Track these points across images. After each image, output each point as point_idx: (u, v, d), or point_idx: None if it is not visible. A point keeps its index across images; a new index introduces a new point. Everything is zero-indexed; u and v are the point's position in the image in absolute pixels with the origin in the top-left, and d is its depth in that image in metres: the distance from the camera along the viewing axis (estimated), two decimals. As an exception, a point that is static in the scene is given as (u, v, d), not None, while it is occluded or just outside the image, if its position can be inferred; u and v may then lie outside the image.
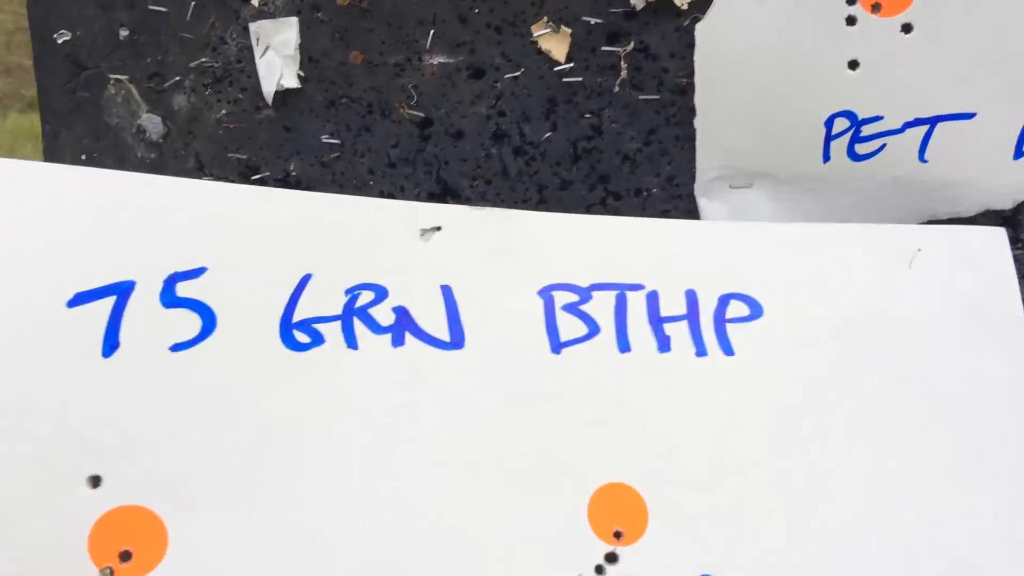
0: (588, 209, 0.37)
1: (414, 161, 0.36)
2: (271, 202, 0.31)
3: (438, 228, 0.33)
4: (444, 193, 0.37)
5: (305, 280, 0.31)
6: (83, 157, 0.39)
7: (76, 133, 0.38)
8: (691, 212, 0.36)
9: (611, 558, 0.31)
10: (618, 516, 0.31)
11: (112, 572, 0.27)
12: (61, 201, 0.30)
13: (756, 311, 0.33)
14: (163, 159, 0.38)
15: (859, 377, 0.33)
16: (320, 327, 0.31)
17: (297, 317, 0.31)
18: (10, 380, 0.28)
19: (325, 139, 0.37)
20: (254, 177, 0.37)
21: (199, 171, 0.37)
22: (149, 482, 0.28)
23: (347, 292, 0.31)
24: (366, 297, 0.31)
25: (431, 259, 0.32)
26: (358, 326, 0.31)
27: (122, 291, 0.29)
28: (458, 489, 0.30)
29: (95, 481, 0.28)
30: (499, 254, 0.33)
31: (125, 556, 0.28)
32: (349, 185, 0.37)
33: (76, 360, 0.28)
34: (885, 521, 0.31)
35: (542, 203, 0.37)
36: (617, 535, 0.31)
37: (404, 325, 0.31)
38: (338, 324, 0.31)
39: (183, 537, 0.29)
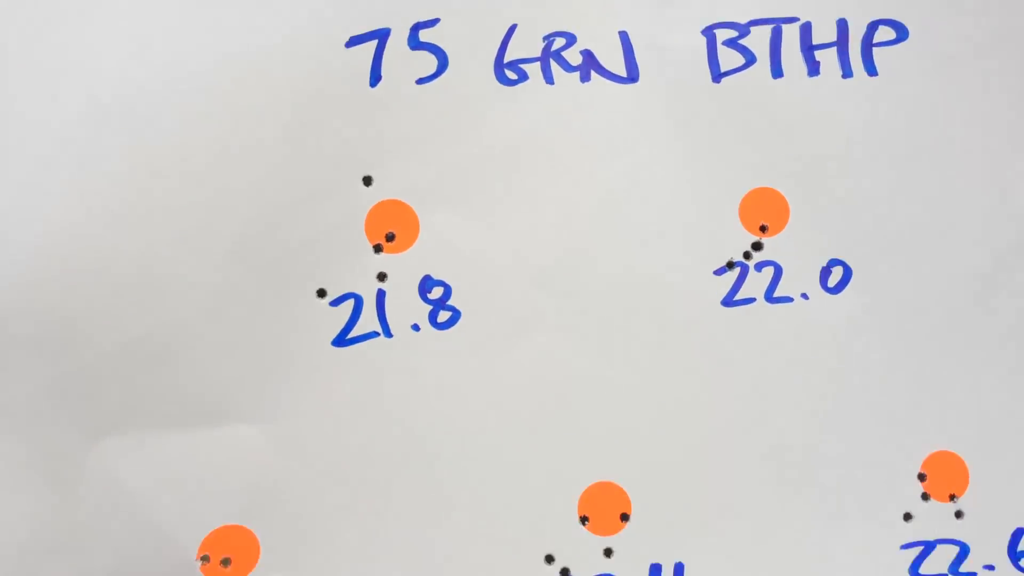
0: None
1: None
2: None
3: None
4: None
5: (512, 29, 0.40)
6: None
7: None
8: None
9: (756, 246, 0.40)
10: (763, 213, 0.40)
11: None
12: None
13: (902, 34, 0.40)
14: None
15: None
16: (525, 66, 0.40)
17: (507, 59, 0.40)
18: (300, 103, 0.38)
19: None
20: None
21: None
22: (411, 181, 0.38)
23: (544, 38, 0.40)
24: (559, 42, 0.40)
25: (612, 9, 0.40)
26: (554, 65, 0.40)
27: (382, 36, 0.38)
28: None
29: (367, 180, 0.38)
30: (667, 6, 0.40)
31: (390, 237, 0.39)
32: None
33: (350, 88, 0.38)
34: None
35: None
36: (763, 228, 0.40)
37: (590, 64, 0.40)
38: (538, 64, 0.40)
39: (430, 222, 0.39)
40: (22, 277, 0.35)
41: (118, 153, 0.36)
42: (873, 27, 0.39)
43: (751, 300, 0.40)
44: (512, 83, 0.39)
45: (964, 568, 0.40)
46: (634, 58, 0.39)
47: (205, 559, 0.37)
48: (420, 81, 0.38)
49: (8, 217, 0.35)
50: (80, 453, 0.36)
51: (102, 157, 0.36)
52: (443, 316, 0.38)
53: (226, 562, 0.37)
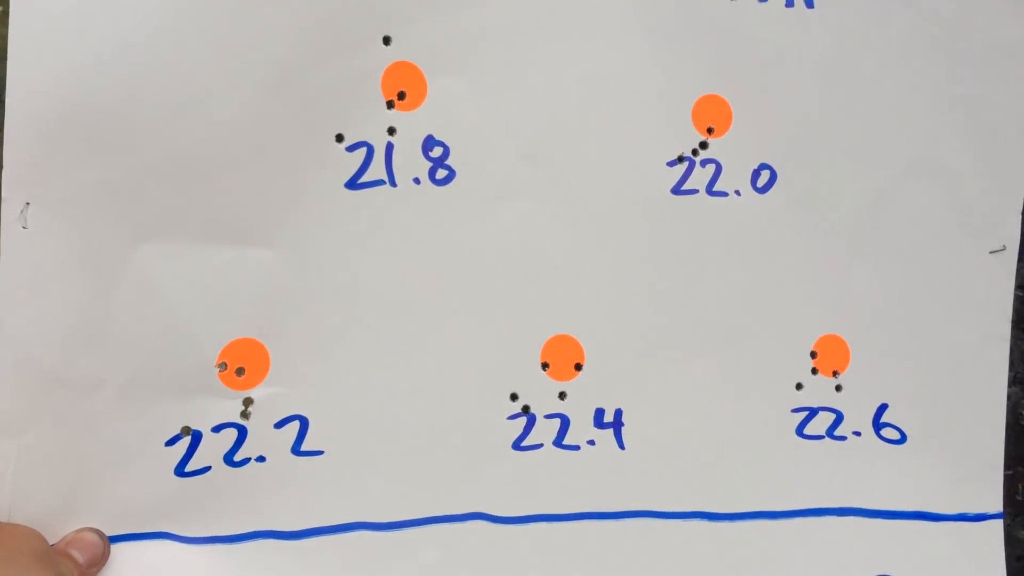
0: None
1: None
2: None
3: None
4: None
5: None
6: None
7: None
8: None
9: (703, 145, 0.48)
10: (710, 117, 0.48)
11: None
12: None
13: None
14: None
15: None
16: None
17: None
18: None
19: None
20: None
21: None
22: (425, 45, 0.43)
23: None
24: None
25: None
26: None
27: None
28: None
29: (387, 40, 0.43)
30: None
31: (401, 96, 0.44)
32: None
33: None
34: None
35: None
36: (710, 130, 0.48)
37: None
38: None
39: (437, 86, 0.44)
40: (85, 87, 0.38)
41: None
42: None
43: (695, 191, 0.47)
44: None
45: (838, 432, 0.50)
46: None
47: (223, 367, 0.41)
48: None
49: (78, 21, 0.38)
50: (122, 252, 0.39)
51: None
52: (441, 173, 0.44)
53: (240, 371, 0.41)
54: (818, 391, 0.49)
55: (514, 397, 0.45)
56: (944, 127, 0.50)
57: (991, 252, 0.51)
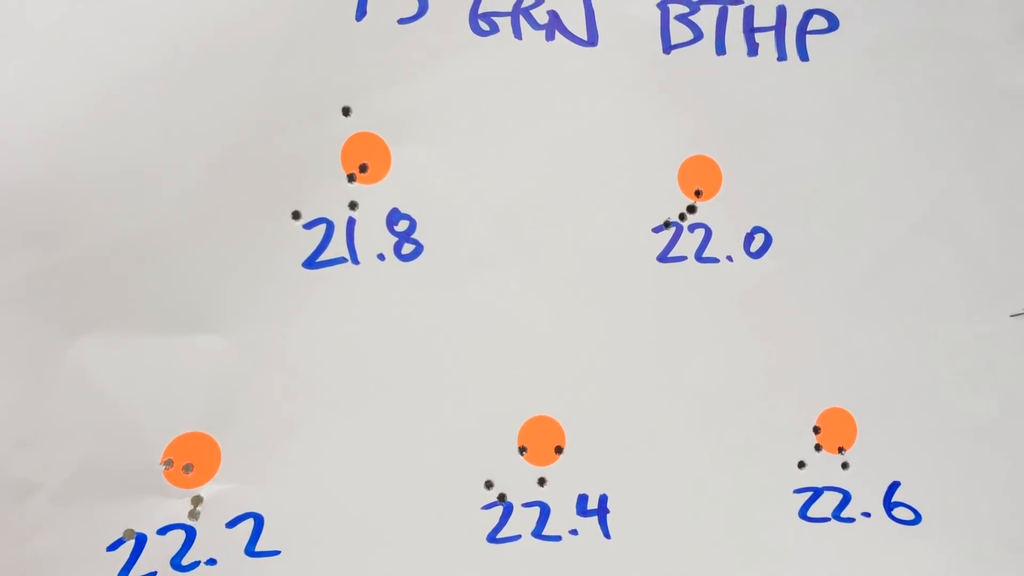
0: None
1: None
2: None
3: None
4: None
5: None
6: None
7: None
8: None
9: (691, 209, 0.46)
10: (699, 179, 0.46)
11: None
12: None
13: (834, 24, 0.47)
14: None
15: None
16: (497, 19, 0.44)
17: (481, 10, 0.44)
18: (290, 30, 0.41)
19: None
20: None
21: None
22: (387, 114, 0.42)
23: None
24: (528, 0, 0.45)
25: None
26: (522, 22, 0.44)
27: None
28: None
29: (346, 111, 0.42)
30: None
31: (363, 168, 0.42)
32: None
33: (338, 20, 0.41)
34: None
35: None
36: (698, 193, 0.46)
37: (555, 25, 0.45)
38: (509, 19, 0.44)
39: (402, 157, 0.43)
40: (14, 171, 0.37)
41: (109, 56, 0.38)
42: (808, 15, 0.46)
43: (683, 258, 0.45)
44: (484, 34, 0.43)
45: (845, 514, 0.47)
46: (595, 23, 0.44)
47: (168, 464, 0.39)
48: (402, 21, 0.42)
49: (6, 98, 0.36)
50: (58, 348, 0.38)
51: (94, 59, 0.38)
52: (407, 248, 0.42)
53: (188, 468, 0.39)
54: (823, 469, 0.47)
55: (489, 485, 0.43)
56: (955, 182, 0.47)
57: (1012, 315, 0.48)
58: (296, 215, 0.41)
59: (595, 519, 0.44)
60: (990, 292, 0.48)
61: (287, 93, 0.40)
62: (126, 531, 0.39)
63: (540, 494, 0.44)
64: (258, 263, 0.40)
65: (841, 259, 0.47)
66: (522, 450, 0.44)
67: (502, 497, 0.43)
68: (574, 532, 0.44)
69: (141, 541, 0.39)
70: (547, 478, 0.44)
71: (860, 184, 0.47)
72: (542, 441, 0.44)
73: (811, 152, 0.46)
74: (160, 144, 0.38)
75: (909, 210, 0.47)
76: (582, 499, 0.44)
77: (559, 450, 0.44)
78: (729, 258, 0.46)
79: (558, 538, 0.44)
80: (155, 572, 0.39)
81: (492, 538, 0.43)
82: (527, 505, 0.44)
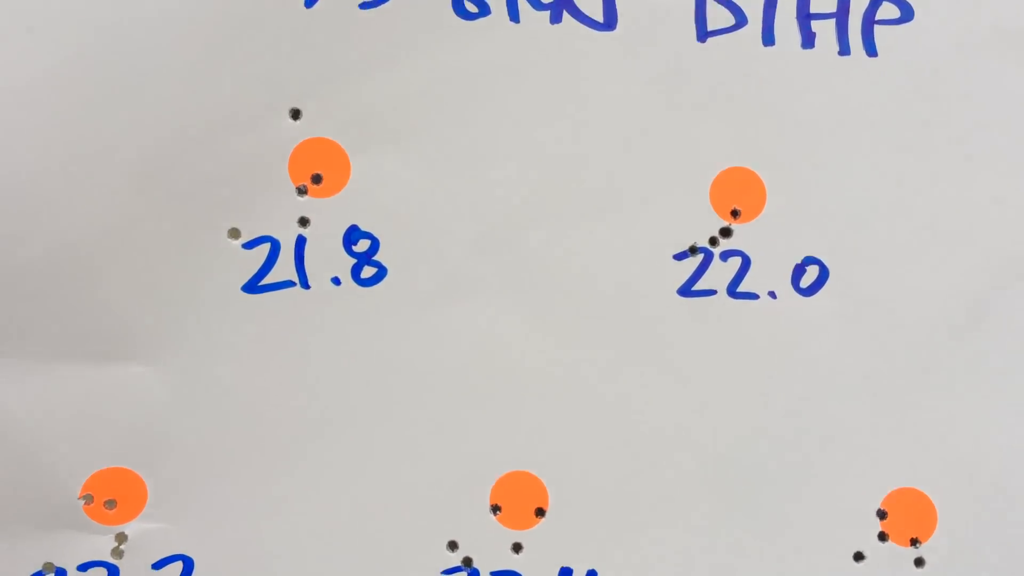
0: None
1: None
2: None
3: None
4: None
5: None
6: None
7: None
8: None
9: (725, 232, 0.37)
10: (736, 196, 0.37)
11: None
12: None
13: (907, 14, 0.36)
14: None
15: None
16: (487, -1, 0.37)
17: (467, -12, 0.37)
18: (225, 21, 0.36)
19: None
20: None
21: None
22: (345, 117, 0.36)
23: (513, -31, 0.37)
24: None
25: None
26: (521, 1, 0.37)
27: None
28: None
29: (295, 114, 0.37)
30: None
31: (316, 179, 0.37)
32: None
33: (284, 6, 0.36)
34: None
35: None
36: (735, 213, 0.37)
37: (563, 4, 0.37)
38: (501, -5, 0.37)
39: (363, 167, 0.37)
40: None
41: (19, 64, 0.35)
42: (876, 2, 0.35)
43: (711, 292, 0.37)
44: (471, 16, 0.36)
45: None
46: (614, 2, 0.36)
47: (88, 499, 0.36)
48: (364, 6, 0.36)
49: None
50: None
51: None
52: (367, 272, 0.37)
53: (111, 504, 0.37)
54: (888, 565, 0.37)
55: (453, 546, 0.38)
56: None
57: None
58: (235, 233, 0.36)
59: (581, 599, 0.38)
60: None
61: (225, 93, 0.36)
62: (46, 564, 0.37)
63: (514, 562, 0.38)
64: (189, 286, 0.36)
65: (915, 303, 0.37)
66: (495, 509, 0.38)
67: (467, 561, 0.38)
68: (554, 611, 0.38)
69: (61, 575, 0.37)
70: (523, 544, 0.38)
71: (944, 207, 0.36)
72: (519, 500, 0.38)
73: (878, 167, 0.36)
74: (76, 151, 0.35)
75: (1006, 242, 0.36)
76: (565, 573, 0.38)
77: (540, 512, 0.38)
78: (772, 294, 0.37)
79: (534, 617, 0.38)
80: (75, 610, 0.37)
81: (454, 610, 0.38)
82: (497, 574, 0.38)
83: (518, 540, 0.38)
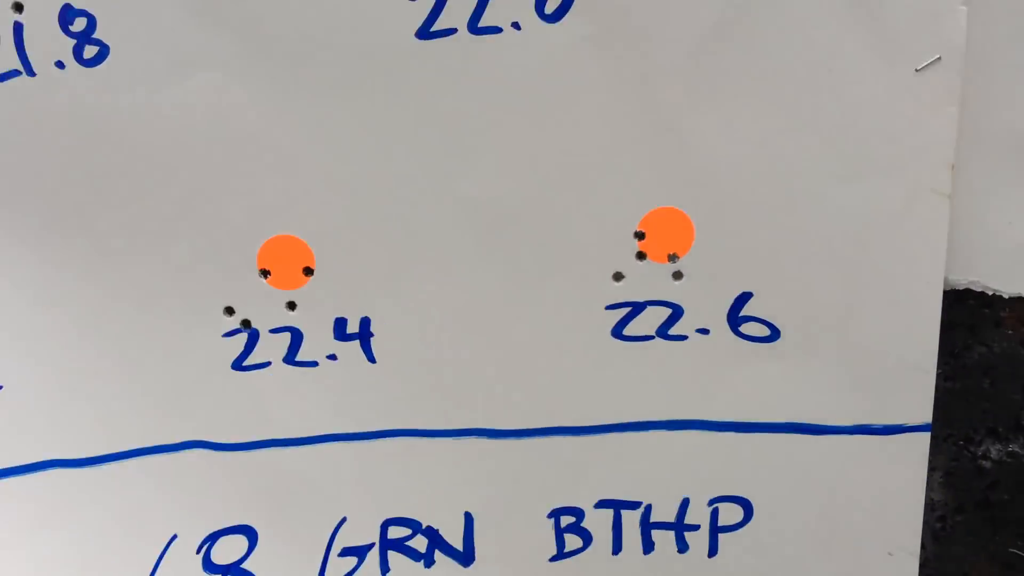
0: None
1: None
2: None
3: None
4: None
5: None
6: None
7: None
8: None
9: None
10: None
11: None
12: None
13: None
14: None
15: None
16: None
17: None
18: None
19: None
20: None
21: None
22: None
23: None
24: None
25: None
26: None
27: None
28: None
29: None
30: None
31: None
32: None
33: None
34: None
35: None
36: None
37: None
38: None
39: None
40: None
41: None
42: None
43: (453, 30, 0.36)
44: None
45: (674, 331, 0.40)
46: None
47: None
48: None
49: None
50: None
51: None
52: (89, 51, 0.36)
53: None
54: (646, 282, 0.39)
55: (230, 311, 0.39)
56: None
57: (918, 69, 0.37)
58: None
59: (356, 343, 0.40)
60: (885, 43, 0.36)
61: None
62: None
63: (289, 319, 0.40)
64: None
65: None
66: (264, 273, 0.39)
67: (246, 323, 0.40)
68: (332, 357, 0.40)
69: None
70: (297, 301, 0.40)
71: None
72: (286, 262, 0.39)
73: None
74: None
75: None
76: (340, 323, 0.40)
77: (308, 271, 0.39)
78: (516, 25, 0.36)
79: (314, 363, 0.40)
80: None
81: (237, 366, 0.40)
82: (275, 331, 0.40)
83: (291, 299, 0.39)
